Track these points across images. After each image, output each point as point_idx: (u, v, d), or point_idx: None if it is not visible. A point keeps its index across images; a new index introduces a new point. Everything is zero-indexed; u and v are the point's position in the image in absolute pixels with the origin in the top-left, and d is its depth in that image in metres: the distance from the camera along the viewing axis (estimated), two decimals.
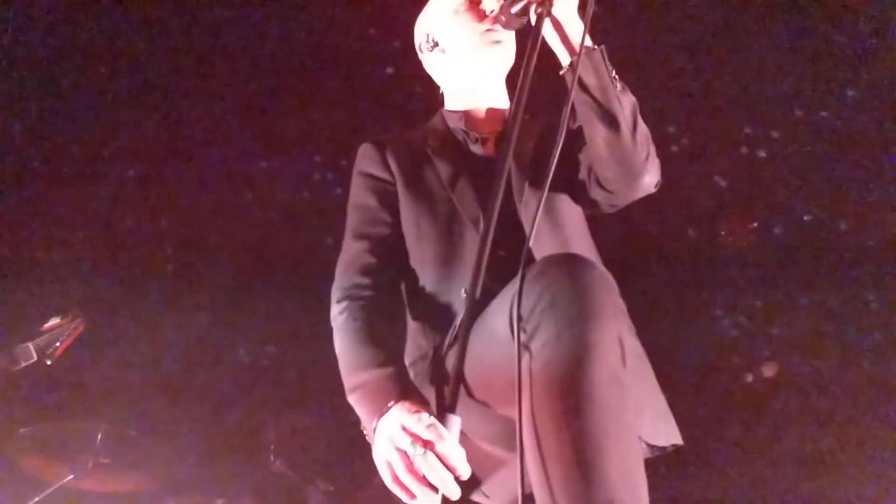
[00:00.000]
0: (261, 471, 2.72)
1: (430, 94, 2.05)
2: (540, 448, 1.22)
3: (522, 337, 1.27)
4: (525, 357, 1.27)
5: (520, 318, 1.28)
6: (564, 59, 1.64)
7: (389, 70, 3.95)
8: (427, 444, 1.31)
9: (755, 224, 3.58)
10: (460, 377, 1.35)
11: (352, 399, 1.55)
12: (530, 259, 1.42)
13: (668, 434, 1.62)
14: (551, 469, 1.20)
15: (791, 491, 3.11)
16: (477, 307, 1.39)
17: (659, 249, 3.56)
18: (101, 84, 3.77)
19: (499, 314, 1.37)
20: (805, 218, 3.57)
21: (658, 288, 3.33)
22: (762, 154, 3.74)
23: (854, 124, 3.67)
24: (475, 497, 1.57)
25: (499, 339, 1.35)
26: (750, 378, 3.05)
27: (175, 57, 3.84)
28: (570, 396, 1.22)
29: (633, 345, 1.62)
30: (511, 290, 1.34)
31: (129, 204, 3.92)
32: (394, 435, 1.38)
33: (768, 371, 3.07)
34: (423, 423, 1.34)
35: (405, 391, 1.47)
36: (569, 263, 1.33)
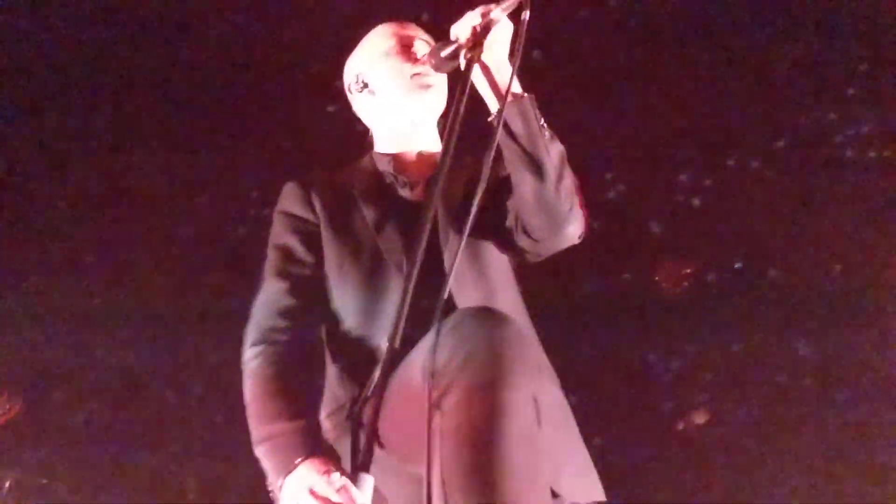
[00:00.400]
0: None
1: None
2: None
3: (434, 394, 1.24)
4: (437, 416, 1.23)
5: (433, 374, 1.24)
6: (493, 105, 1.63)
7: (331, 108, 3.93)
8: None
9: (689, 270, 3.61)
10: (374, 433, 1.30)
11: (258, 452, 1.49)
12: (452, 308, 1.39)
13: (590, 490, 1.59)
14: None
15: None
16: (397, 357, 1.35)
17: (593, 294, 3.57)
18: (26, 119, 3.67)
19: (413, 367, 1.33)
20: (736, 265, 3.62)
21: (591, 333, 3.33)
22: (696, 202, 3.79)
23: (783, 174, 3.76)
24: None
25: (413, 394, 1.31)
26: (681, 426, 3.05)
27: (112, 91, 3.76)
28: (482, 459, 1.18)
29: (555, 397, 1.59)
30: (427, 342, 1.31)
31: (57, 237, 3.80)
32: (302, 498, 1.32)
33: (699, 418, 3.08)
34: (333, 485, 1.29)
35: (315, 448, 1.42)
36: (484, 318, 1.30)
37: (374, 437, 1.31)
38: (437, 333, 1.27)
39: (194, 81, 3.75)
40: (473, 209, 1.43)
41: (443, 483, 1.19)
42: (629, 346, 3.35)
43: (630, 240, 3.69)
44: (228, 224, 3.82)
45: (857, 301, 3.52)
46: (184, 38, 3.74)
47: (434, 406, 1.23)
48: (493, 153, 1.52)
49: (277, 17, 3.73)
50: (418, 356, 1.33)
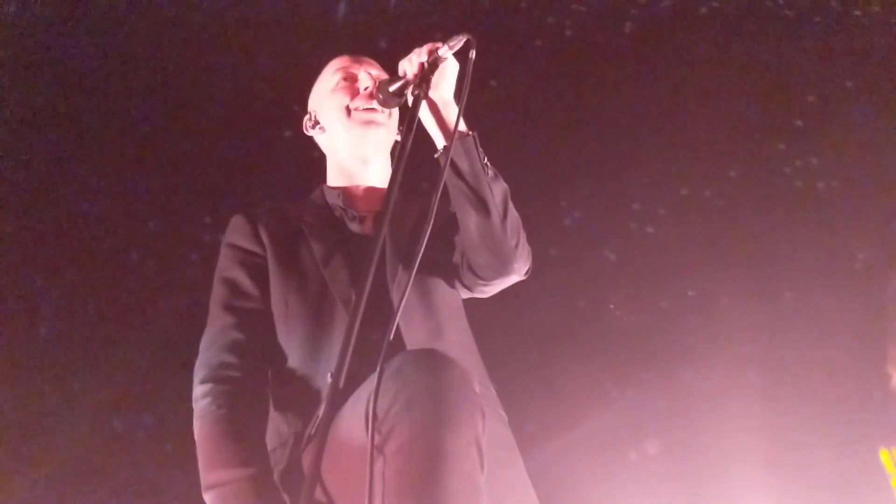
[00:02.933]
0: None
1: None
2: None
3: (377, 438, 1.23)
4: (378, 461, 1.22)
5: (374, 418, 1.23)
6: (440, 141, 1.64)
7: (287, 133, 3.91)
8: None
9: (642, 298, 3.65)
10: (316, 477, 1.28)
11: (207, 497, 1.46)
12: (400, 345, 1.39)
13: None
14: None
15: None
16: (342, 395, 1.33)
17: (548, 320, 3.58)
18: None
19: (355, 411, 1.32)
20: (689, 293, 3.65)
21: (545, 360, 3.33)
22: (650, 230, 3.84)
23: (736, 203, 3.83)
24: None
25: (354, 438, 1.29)
26: (633, 456, 3.06)
27: (66, 113, 3.71)
28: None
29: (500, 435, 1.59)
30: (369, 385, 1.29)
31: (3, 258, 3.71)
32: None
33: (651, 448, 3.09)
34: None
35: (265, 497, 1.39)
36: (427, 361, 1.29)
37: (315, 481, 1.29)
38: (380, 377, 1.26)
39: (152, 104, 3.72)
40: (421, 246, 1.43)
41: None
42: (584, 374, 3.36)
43: (585, 267, 3.71)
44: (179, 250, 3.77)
45: (806, 328, 3.59)
46: (137, 63, 3.70)
47: (376, 450, 1.22)
48: (440, 190, 1.52)
49: (236, 44, 3.72)
50: (358, 401, 1.32)
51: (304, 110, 1.99)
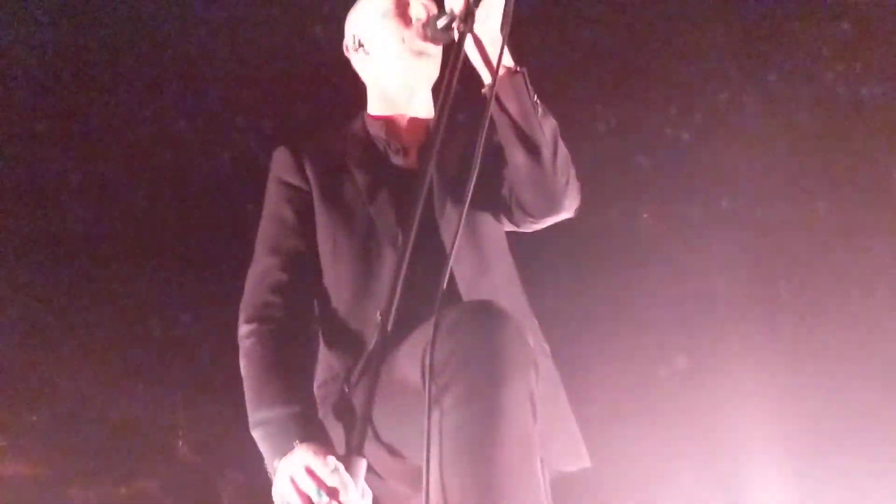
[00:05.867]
0: (168, 458, 2.62)
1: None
2: None
3: (433, 390, 1.25)
4: (435, 412, 1.25)
5: (432, 371, 1.25)
6: (486, 77, 1.59)
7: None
8: (331, 492, 1.29)
9: (674, 207, 3.61)
10: (368, 417, 1.32)
11: (255, 434, 1.51)
12: (448, 281, 1.39)
13: (577, 458, 1.63)
14: None
15: None
16: (391, 334, 1.36)
17: (579, 228, 3.57)
18: None
19: (410, 358, 1.33)
20: (723, 203, 3.62)
21: (573, 272, 3.33)
22: (685, 136, 3.77)
23: (774, 109, 3.73)
24: None
25: (410, 386, 1.32)
26: (663, 372, 3.11)
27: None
28: (479, 459, 1.21)
29: (547, 369, 1.61)
30: (424, 334, 1.30)
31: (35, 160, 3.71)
32: (297, 476, 1.35)
33: (682, 363, 3.13)
34: (328, 467, 1.31)
35: (310, 433, 1.43)
36: (483, 317, 1.30)
37: (368, 418, 1.33)
38: (436, 328, 1.27)
39: None
40: (470, 186, 1.41)
41: (441, 478, 1.22)
42: (617, 286, 3.36)
43: (619, 174, 3.66)
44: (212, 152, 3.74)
45: (841, 242, 3.56)
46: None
47: (434, 400, 1.25)
48: (485, 129, 1.49)
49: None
50: (413, 349, 1.34)
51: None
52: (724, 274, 3.47)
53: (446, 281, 1.37)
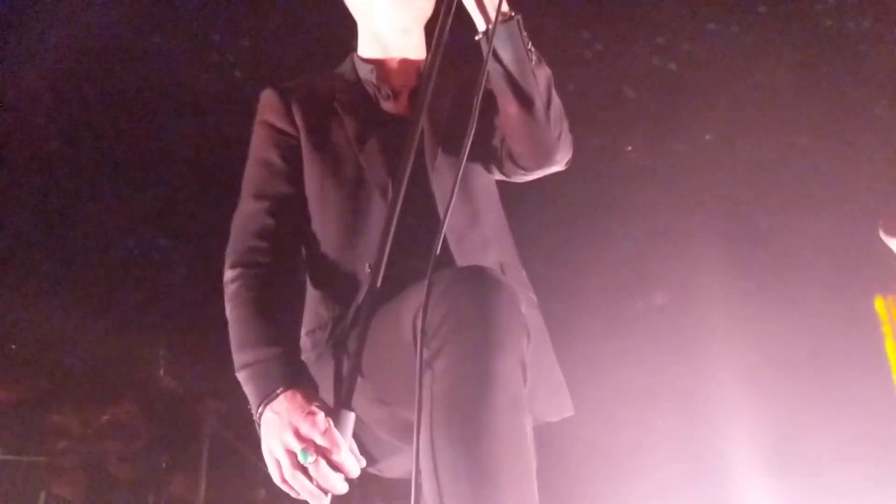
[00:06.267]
0: (149, 384, 2.63)
1: None
2: (436, 471, 1.22)
3: (425, 353, 1.24)
4: (427, 375, 1.24)
5: (424, 334, 1.25)
6: (480, 24, 1.53)
7: None
8: (321, 450, 1.30)
9: (659, 139, 3.59)
10: (357, 370, 1.32)
11: (239, 377, 1.49)
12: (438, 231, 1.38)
13: (561, 407, 1.65)
14: (446, 495, 1.21)
15: None
16: (381, 284, 1.35)
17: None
18: None
19: (402, 317, 1.32)
20: (707, 136, 3.60)
21: (553, 202, 3.31)
22: (672, 66, 3.72)
23: (762, 40, 3.68)
24: (370, 469, 1.58)
25: (401, 344, 1.31)
26: (640, 306, 3.14)
27: None
28: (470, 425, 1.21)
29: (532, 317, 1.61)
30: (416, 293, 1.29)
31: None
32: (286, 437, 1.34)
33: (660, 299, 3.17)
34: (317, 428, 1.31)
35: (294, 377, 1.42)
36: (476, 282, 1.29)
37: (357, 370, 1.33)
38: (429, 291, 1.26)
39: None
40: (468, 142, 1.38)
41: (431, 443, 1.23)
42: (596, 218, 3.36)
43: (603, 104, 3.62)
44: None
45: (817, 172, 3.58)
46: None
47: (426, 363, 1.24)
48: (484, 78, 1.45)
49: None
50: (406, 308, 1.32)
51: None
52: (704, 207, 3.49)
53: (436, 228, 1.36)
